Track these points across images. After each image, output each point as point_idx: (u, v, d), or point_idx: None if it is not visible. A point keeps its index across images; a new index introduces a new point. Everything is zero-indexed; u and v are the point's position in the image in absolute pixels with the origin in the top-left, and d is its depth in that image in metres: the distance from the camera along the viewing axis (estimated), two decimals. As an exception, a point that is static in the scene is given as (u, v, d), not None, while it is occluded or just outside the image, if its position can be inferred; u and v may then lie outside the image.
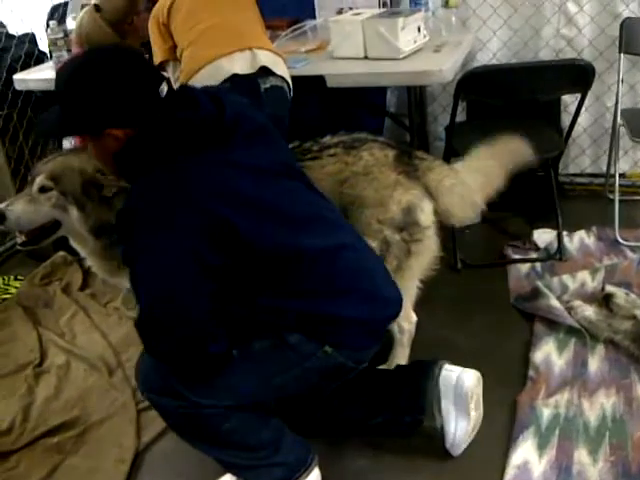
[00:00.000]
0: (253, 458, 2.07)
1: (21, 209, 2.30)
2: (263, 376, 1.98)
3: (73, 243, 2.46)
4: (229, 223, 1.75)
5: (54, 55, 3.81)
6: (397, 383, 2.29)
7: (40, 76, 3.98)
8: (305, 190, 2.06)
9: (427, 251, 2.44)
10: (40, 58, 4.35)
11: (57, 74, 1.88)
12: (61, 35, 3.79)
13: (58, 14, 4.38)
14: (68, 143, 4.49)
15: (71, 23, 3.96)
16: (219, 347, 1.87)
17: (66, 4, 4.39)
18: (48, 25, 4.00)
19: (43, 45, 4.44)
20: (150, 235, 1.75)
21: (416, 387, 2.23)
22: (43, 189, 2.29)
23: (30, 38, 4.41)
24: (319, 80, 3.26)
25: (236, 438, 2.02)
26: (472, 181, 2.54)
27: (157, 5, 3.02)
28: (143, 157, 1.82)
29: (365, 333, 2.03)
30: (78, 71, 1.84)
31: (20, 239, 2.39)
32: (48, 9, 4.54)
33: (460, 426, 2.21)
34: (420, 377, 2.25)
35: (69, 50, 3.70)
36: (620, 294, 2.86)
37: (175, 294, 1.78)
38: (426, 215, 2.39)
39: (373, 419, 2.27)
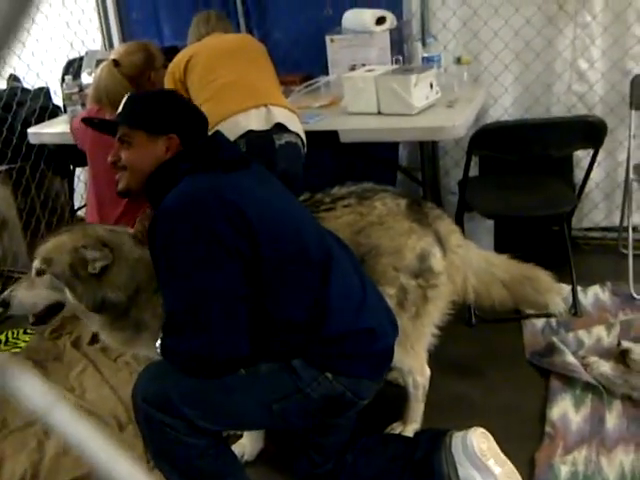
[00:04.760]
0: None
1: (22, 295, 2.27)
2: (265, 399, 2.00)
3: (82, 319, 2.43)
4: (252, 226, 1.89)
5: (68, 109, 3.84)
6: (412, 455, 2.29)
7: (54, 130, 4.01)
8: (317, 224, 2.23)
9: (443, 296, 2.48)
10: (54, 112, 4.41)
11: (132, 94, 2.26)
12: (76, 90, 3.83)
13: (73, 69, 4.45)
14: (78, 204, 4.52)
15: (86, 78, 4.02)
16: (245, 349, 1.92)
17: (81, 59, 4.45)
18: (63, 80, 4.05)
19: (57, 99, 4.51)
20: (183, 230, 1.89)
21: (430, 460, 2.24)
22: (39, 273, 2.25)
23: (45, 92, 4.47)
24: (332, 135, 3.27)
25: (201, 477, 2.05)
26: (475, 262, 2.58)
27: (174, 61, 3.07)
28: (180, 171, 2.01)
29: (361, 361, 2.06)
30: (161, 91, 2.45)
31: (31, 319, 2.36)
32: (63, 64, 4.60)
33: None
34: (432, 450, 2.26)
35: (83, 104, 3.74)
36: (637, 350, 2.82)
37: (213, 291, 1.88)
38: (438, 261, 2.42)
39: None
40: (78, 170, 4.65)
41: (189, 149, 2.08)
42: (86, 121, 2.51)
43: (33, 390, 0.52)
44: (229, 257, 1.88)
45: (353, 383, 2.04)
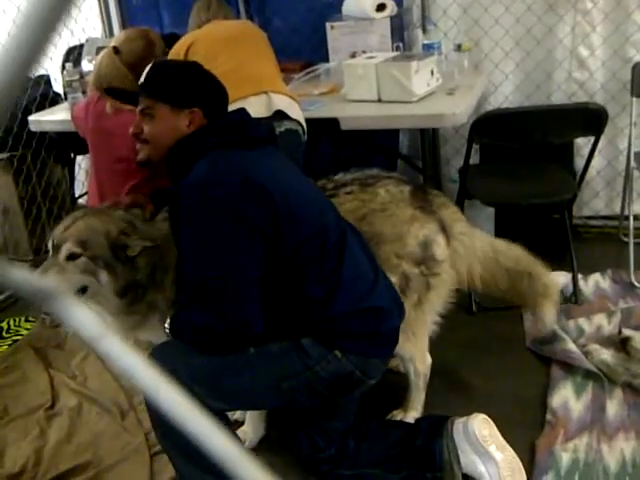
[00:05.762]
0: None
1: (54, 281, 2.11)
2: (274, 378, 2.03)
3: (95, 304, 2.30)
4: (276, 207, 1.91)
5: (69, 96, 3.83)
6: (413, 441, 2.30)
7: (55, 117, 4.01)
8: (334, 207, 2.25)
9: (445, 284, 2.48)
10: (55, 100, 4.39)
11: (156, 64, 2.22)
12: (77, 77, 3.81)
13: (73, 56, 4.43)
14: (78, 194, 4.52)
15: (86, 65, 4.01)
16: (259, 327, 1.95)
17: (81, 47, 4.44)
18: (64, 67, 4.04)
19: (58, 87, 4.49)
20: (209, 207, 1.90)
21: (431, 446, 2.25)
22: (71, 256, 2.15)
23: (45, 80, 4.46)
24: (332, 122, 3.27)
25: (207, 460, 2.05)
26: (480, 250, 2.56)
27: (174, 49, 3.06)
28: (207, 145, 2.01)
29: (370, 339, 2.08)
30: (186, 62, 2.44)
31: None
32: (63, 52, 4.59)
33: (491, 471, 2.19)
34: (433, 436, 2.27)
35: (84, 92, 3.72)
36: (638, 337, 2.82)
37: (232, 267, 1.91)
38: (442, 249, 2.42)
39: (395, 474, 2.29)
40: (79, 158, 4.66)
41: (216, 124, 2.08)
42: (109, 92, 2.48)
43: (84, 318, 0.54)
44: (252, 236, 1.89)
45: (362, 361, 2.06)
